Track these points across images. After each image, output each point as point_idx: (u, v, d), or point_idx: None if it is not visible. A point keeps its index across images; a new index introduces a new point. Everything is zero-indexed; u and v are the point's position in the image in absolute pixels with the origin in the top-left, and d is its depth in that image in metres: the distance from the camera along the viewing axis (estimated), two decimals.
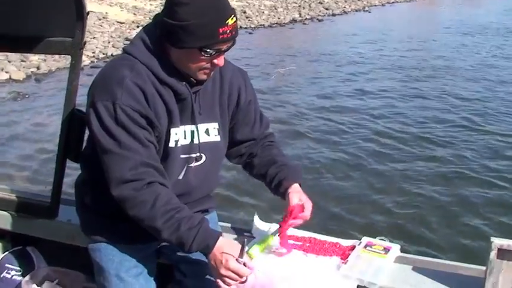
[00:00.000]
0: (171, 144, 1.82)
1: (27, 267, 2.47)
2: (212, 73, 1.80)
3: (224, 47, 1.71)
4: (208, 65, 1.74)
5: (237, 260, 1.68)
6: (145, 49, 1.75)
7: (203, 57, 1.70)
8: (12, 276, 2.48)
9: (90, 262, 2.01)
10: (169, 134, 1.80)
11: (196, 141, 1.87)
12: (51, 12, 2.28)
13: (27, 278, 2.37)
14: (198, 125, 1.86)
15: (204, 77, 1.79)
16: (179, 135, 1.83)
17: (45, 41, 2.34)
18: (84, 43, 2.28)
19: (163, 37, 1.72)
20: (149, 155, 1.72)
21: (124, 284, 1.89)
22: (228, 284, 1.70)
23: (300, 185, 2.02)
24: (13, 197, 2.50)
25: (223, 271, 1.68)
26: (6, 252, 2.54)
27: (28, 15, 2.31)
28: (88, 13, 2.21)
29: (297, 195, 1.97)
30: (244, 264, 1.70)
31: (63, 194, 2.41)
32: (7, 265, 2.50)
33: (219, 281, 1.71)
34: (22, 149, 7.49)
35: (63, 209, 2.42)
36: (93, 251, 1.97)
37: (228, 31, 1.67)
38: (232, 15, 1.69)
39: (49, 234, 2.47)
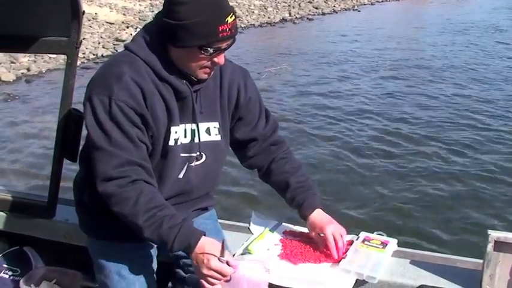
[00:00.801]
0: (171, 142, 1.81)
1: (24, 267, 2.46)
2: (213, 72, 1.80)
3: (224, 45, 1.71)
4: (209, 64, 1.74)
5: (219, 259, 1.67)
6: (146, 47, 1.75)
7: (203, 56, 1.71)
8: (9, 276, 2.47)
9: (88, 261, 2.01)
10: (169, 133, 1.80)
11: (196, 140, 1.87)
12: (46, 12, 2.28)
13: (25, 278, 2.37)
14: (199, 124, 1.86)
15: (205, 76, 1.79)
16: (179, 134, 1.83)
17: (41, 41, 2.34)
18: (80, 42, 2.29)
19: (164, 37, 1.72)
20: (138, 155, 1.72)
21: (125, 281, 1.89)
22: (212, 284, 1.68)
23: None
24: (10, 197, 2.49)
25: (205, 271, 1.67)
26: (4, 253, 2.53)
27: (23, 15, 2.30)
28: (83, 12, 2.21)
29: (319, 227, 2.02)
30: (228, 263, 1.68)
31: (61, 194, 2.41)
32: (4, 265, 2.50)
33: (202, 281, 1.70)
34: (17, 150, 7.45)
35: (61, 208, 2.42)
36: (93, 249, 1.97)
37: (228, 29, 1.68)
38: (232, 13, 1.69)
39: (46, 234, 2.47)
